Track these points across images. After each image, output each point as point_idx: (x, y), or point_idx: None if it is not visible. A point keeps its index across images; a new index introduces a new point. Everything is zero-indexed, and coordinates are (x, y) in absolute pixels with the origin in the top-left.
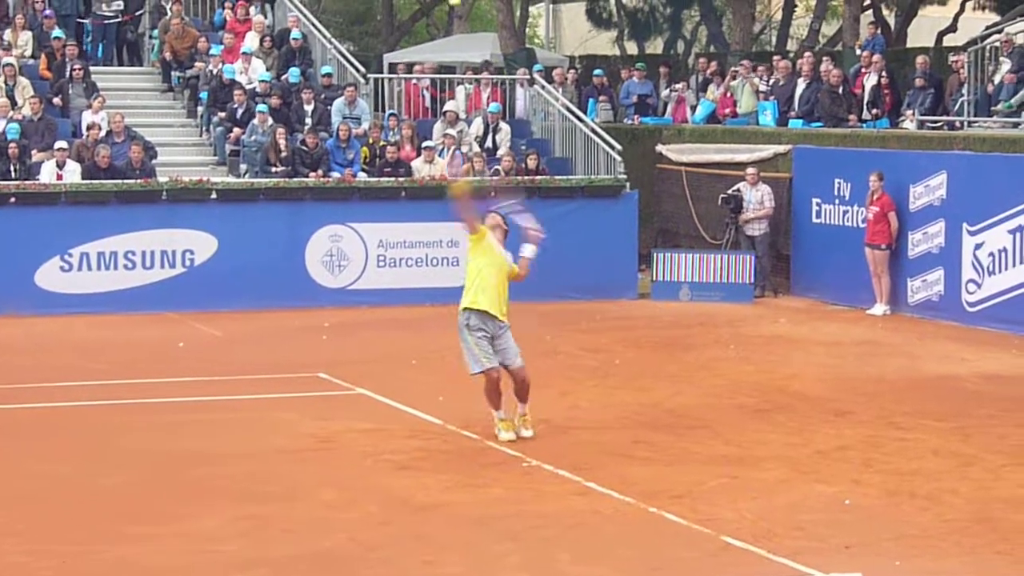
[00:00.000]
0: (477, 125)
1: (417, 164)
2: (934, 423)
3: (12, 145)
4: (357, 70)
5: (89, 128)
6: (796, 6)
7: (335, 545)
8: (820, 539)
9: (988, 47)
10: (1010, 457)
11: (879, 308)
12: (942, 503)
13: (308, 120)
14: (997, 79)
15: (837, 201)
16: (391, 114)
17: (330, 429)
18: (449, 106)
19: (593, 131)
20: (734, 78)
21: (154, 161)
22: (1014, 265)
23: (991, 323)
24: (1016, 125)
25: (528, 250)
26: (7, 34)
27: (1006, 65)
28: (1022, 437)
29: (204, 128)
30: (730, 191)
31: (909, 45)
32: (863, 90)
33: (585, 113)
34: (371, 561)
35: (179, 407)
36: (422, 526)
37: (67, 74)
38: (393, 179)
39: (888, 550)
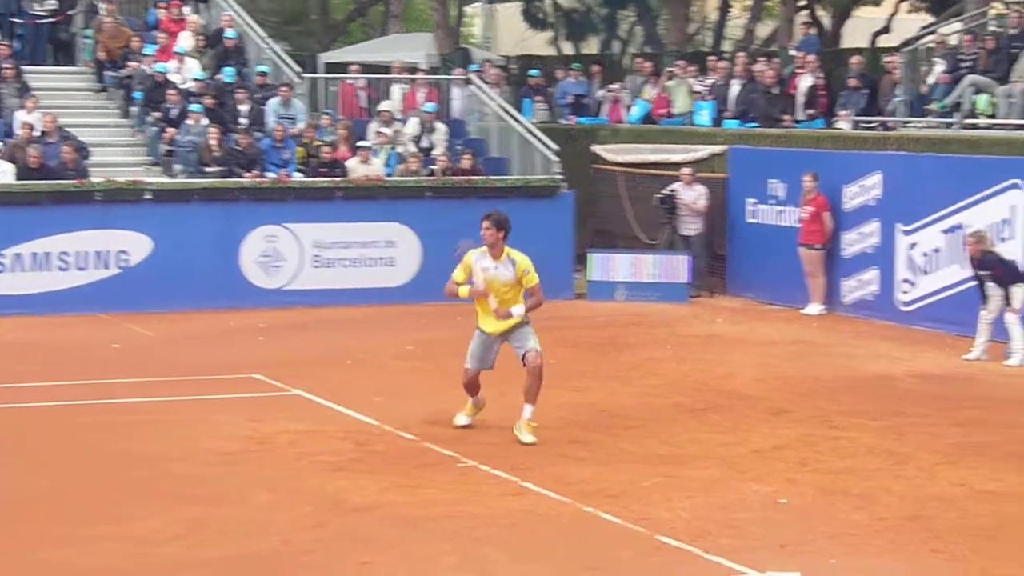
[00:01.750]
0: (413, 125)
1: (352, 164)
2: (869, 422)
3: None
4: (292, 70)
5: (22, 128)
6: (731, 7)
7: (270, 547)
8: (755, 538)
9: (922, 48)
10: (944, 456)
11: (814, 308)
12: (877, 501)
13: (243, 120)
14: (931, 80)
15: (772, 201)
16: (325, 113)
17: (265, 430)
18: (384, 106)
19: (529, 131)
20: (670, 78)
21: (87, 161)
22: (948, 265)
23: (925, 322)
24: (949, 125)
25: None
26: None
27: (940, 66)
28: (956, 436)
29: (138, 128)
30: (665, 191)
31: (843, 46)
32: (798, 91)
33: (521, 113)
34: (306, 563)
35: (113, 409)
36: (358, 527)
37: None
38: (328, 179)
39: (823, 548)
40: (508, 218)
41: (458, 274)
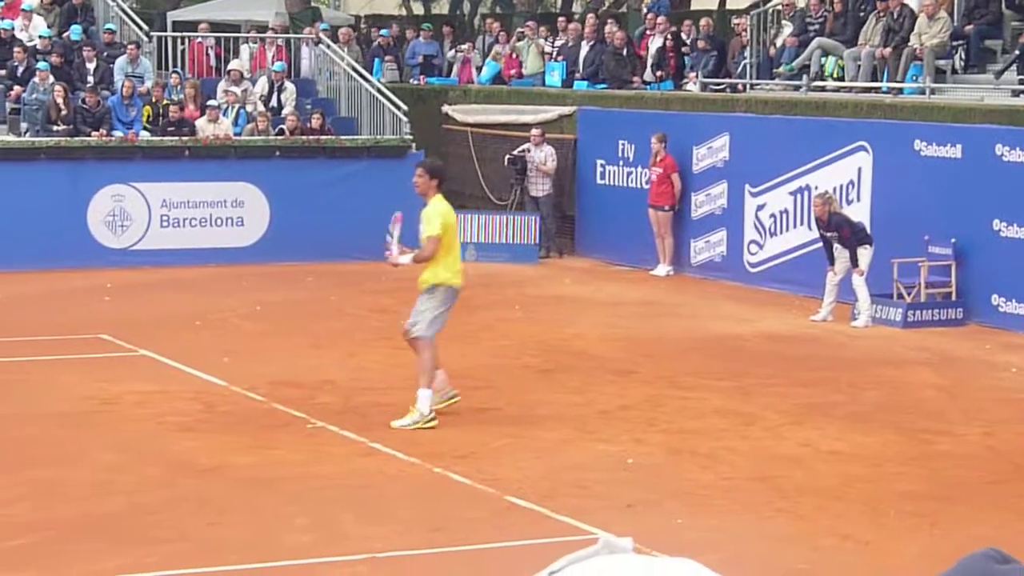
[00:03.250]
0: (262, 84)
1: (201, 123)
2: (716, 382)
3: None
4: (140, 28)
5: None
6: None
7: (117, 508)
8: (603, 498)
9: (770, 10)
10: (789, 416)
11: (662, 269)
12: (723, 461)
13: (90, 78)
14: (779, 42)
15: (621, 162)
16: (174, 72)
17: (112, 391)
18: (233, 65)
19: (379, 91)
20: (520, 39)
21: None
22: (795, 226)
23: (772, 283)
24: (797, 88)
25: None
26: None
27: (788, 28)
28: (801, 396)
29: None
30: (516, 152)
31: (693, 8)
32: (648, 52)
33: (371, 73)
34: (154, 523)
35: None
36: (206, 488)
37: None
38: (176, 138)
39: (670, 508)
40: (441, 165)
41: None
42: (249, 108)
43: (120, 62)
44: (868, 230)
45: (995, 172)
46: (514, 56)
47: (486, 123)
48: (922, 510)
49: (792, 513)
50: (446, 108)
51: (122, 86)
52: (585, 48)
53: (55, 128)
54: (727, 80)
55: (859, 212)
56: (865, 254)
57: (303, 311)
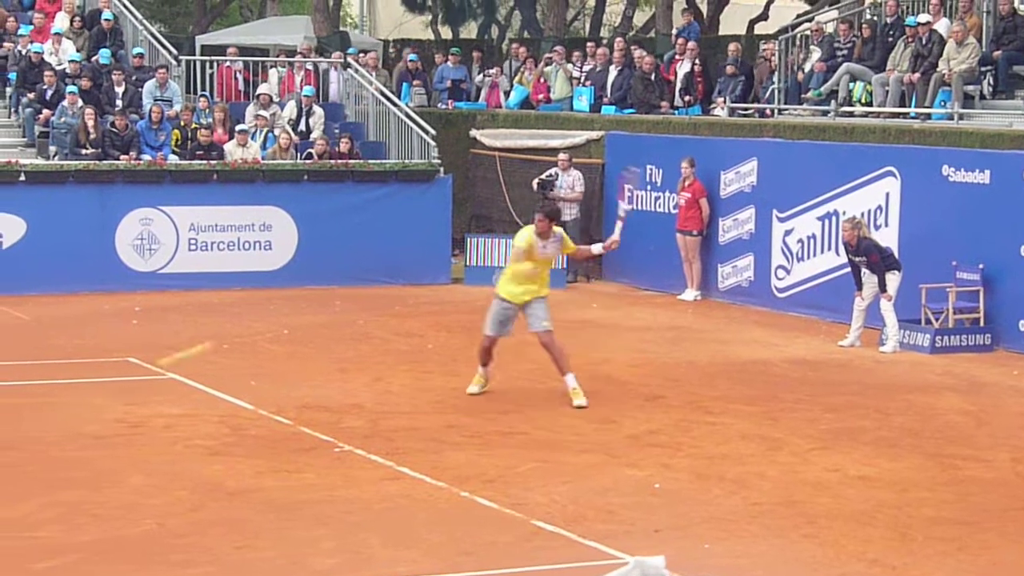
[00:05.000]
0: (290, 108)
1: (229, 147)
2: (743, 407)
3: None
4: (169, 52)
5: None
6: None
7: (145, 531)
8: (630, 523)
9: (799, 35)
10: (817, 441)
11: (690, 294)
12: (750, 487)
13: (119, 102)
14: (807, 67)
15: (649, 187)
16: (203, 96)
17: (140, 414)
18: (262, 89)
19: (407, 115)
20: (548, 64)
21: None
22: (822, 251)
23: (800, 309)
24: (825, 113)
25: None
26: None
27: (816, 53)
28: (829, 421)
29: (13, 109)
30: (544, 176)
31: (721, 33)
32: (676, 77)
33: (399, 97)
34: (181, 546)
35: None
36: (233, 511)
37: None
38: (205, 162)
39: (697, 533)
40: (559, 209)
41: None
42: (277, 132)
43: (149, 86)
44: (896, 255)
45: None
46: (542, 81)
47: (514, 147)
48: (950, 535)
49: (819, 538)
50: (474, 132)
51: (151, 110)
52: (613, 73)
53: (84, 152)
54: (755, 105)
55: (887, 237)
56: (893, 279)
57: (330, 335)
